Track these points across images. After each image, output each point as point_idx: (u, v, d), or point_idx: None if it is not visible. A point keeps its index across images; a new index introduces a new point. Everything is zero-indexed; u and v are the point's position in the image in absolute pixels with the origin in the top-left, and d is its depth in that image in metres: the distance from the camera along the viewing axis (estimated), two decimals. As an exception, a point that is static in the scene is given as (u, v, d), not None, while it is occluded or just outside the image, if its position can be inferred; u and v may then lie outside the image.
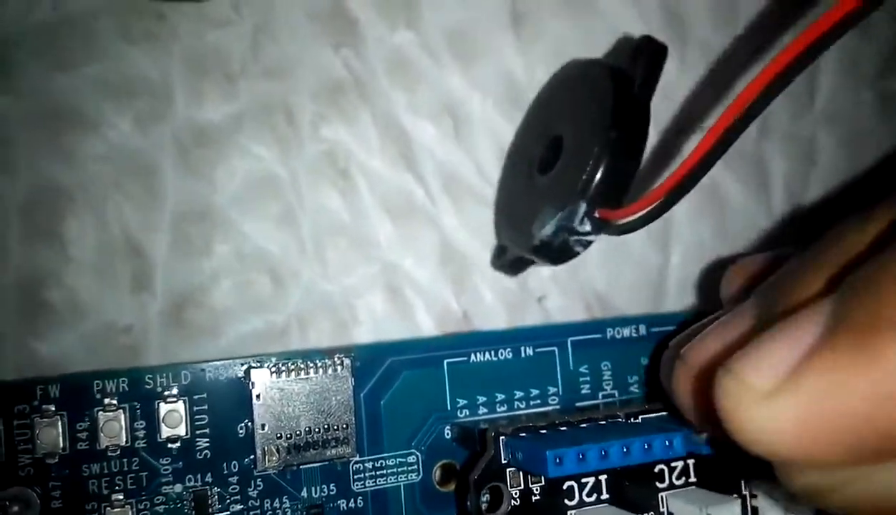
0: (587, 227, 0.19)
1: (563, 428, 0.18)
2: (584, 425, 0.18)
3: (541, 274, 0.26)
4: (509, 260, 0.24)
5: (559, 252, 0.20)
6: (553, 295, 0.26)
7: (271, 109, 0.25)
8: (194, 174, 0.24)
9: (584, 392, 0.21)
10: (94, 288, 0.23)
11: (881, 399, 0.11)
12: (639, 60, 0.20)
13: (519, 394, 0.21)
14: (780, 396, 0.12)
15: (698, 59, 0.28)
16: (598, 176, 0.19)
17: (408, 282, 0.25)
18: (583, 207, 0.19)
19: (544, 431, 0.18)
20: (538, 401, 0.21)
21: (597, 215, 0.19)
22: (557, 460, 0.16)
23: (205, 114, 0.24)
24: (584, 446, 0.16)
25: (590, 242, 0.20)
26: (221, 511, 0.19)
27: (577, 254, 0.20)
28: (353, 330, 0.24)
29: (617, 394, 0.22)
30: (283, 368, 0.19)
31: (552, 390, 0.21)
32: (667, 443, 0.17)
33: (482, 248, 0.26)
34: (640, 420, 0.18)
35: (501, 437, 0.17)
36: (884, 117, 0.30)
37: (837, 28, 0.13)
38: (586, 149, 0.20)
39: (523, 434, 0.18)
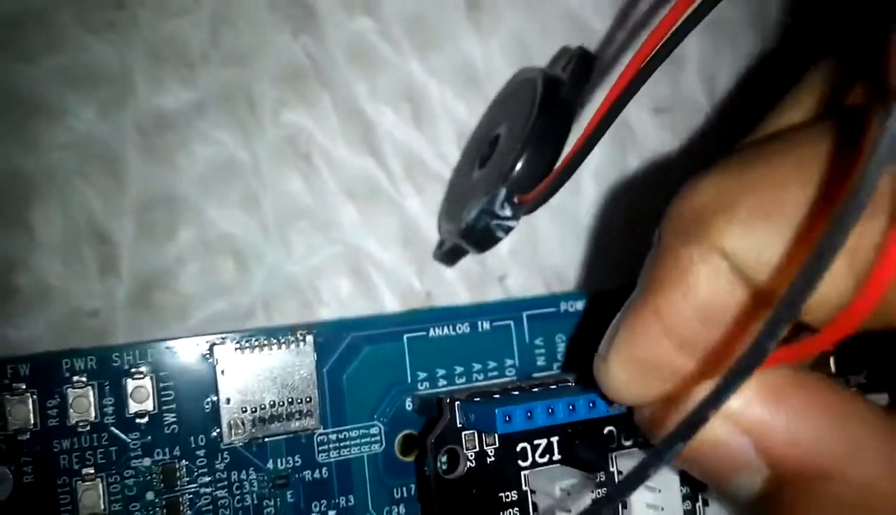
0: (507, 212, 0.20)
1: (516, 393, 0.19)
2: (535, 389, 0.19)
3: (501, 253, 0.27)
4: (445, 251, 0.25)
5: (482, 236, 0.21)
6: (513, 273, 0.27)
7: (232, 96, 0.25)
8: (157, 160, 0.24)
9: (539, 363, 0.22)
10: (62, 273, 0.23)
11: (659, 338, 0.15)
12: (570, 66, 0.21)
13: (477, 367, 0.22)
14: (609, 357, 0.16)
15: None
16: (518, 164, 0.20)
17: (371, 264, 0.26)
18: (503, 193, 0.20)
19: (497, 396, 0.18)
20: (496, 373, 0.22)
21: (515, 200, 0.20)
22: (506, 417, 0.17)
23: (166, 102, 0.25)
24: (531, 404, 0.17)
25: (510, 227, 0.21)
26: (190, 484, 0.19)
27: (500, 238, 0.21)
28: (317, 310, 0.25)
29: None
30: (247, 345, 0.20)
31: (509, 362, 0.22)
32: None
33: (443, 229, 0.27)
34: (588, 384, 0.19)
35: (457, 402, 0.18)
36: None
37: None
38: (513, 142, 0.21)
39: (477, 399, 0.18)
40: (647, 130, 0.29)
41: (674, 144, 0.29)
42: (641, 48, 0.16)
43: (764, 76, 0.30)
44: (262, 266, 0.25)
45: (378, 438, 0.21)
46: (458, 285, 0.27)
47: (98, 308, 0.23)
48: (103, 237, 0.24)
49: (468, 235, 0.22)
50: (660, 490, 0.18)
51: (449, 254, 0.25)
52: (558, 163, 0.19)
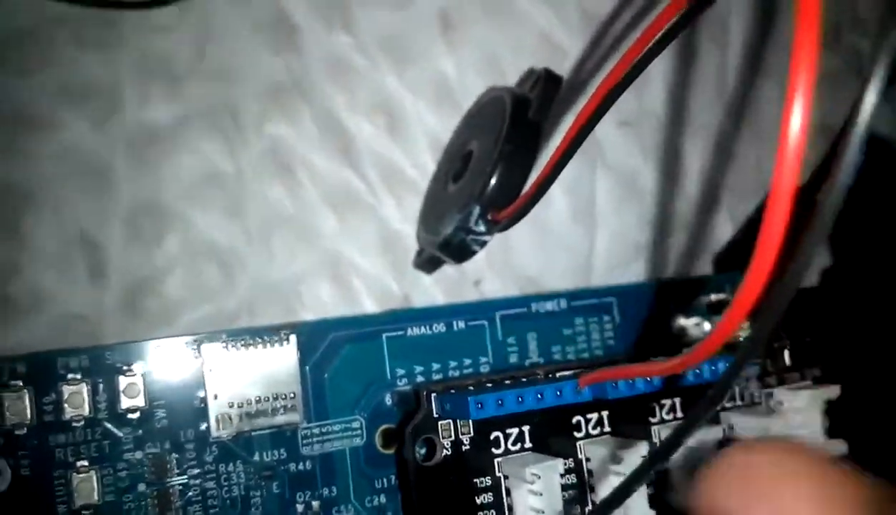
0: (481, 228, 0.22)
1: (489, 385, 0.20)
2: (506, 382, 0.20)
3: (477, 259, 0.28)
4: (424, 260, 0.27)
5: (459, 249, 0.23)
6: (488, 278, 0.29)
7: (217, 109, 0.26)
8: (145, 171, 0.25)
9: (512, 360, 0.23)
10: (53, 279, 0.24)
11: None
12: (537, 87, 0.22)
13: (453, 364, 0.23)
14: None
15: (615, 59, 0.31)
16: (491, 183, 0.22)
17: (351, 269, 0.27)
18: (477, 210, 0.22)
19: (471, 387, 0.20)
20: (470, 370, 0.23)
21: (489, 217, 0.22)
22: (479, 404, 0.18)
23: (154, 115, 0.26)
24: (502, 392, 0.18)
25: (485, 242, 0.23)
26: (180, 476, 0.20)
27: (474, 252, 0.23)
28: (300, 314, 0.26)
29: (542, 361, 0.24)
30: (234, 344, 0.21)
31: (483, 359, 0.23)
32: (577, 389, 0.19)
33: (420, 236, 0.28)
34: (556, 376, 0.20)
35: (433, 394, 0.19)
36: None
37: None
38: (485, 160, 0.22)
39: (452, 391, 0.20)
40: (614, 143, 0.30)
41: (639, 156, 0.31)
42: (612, 71, 0.18)
43: (724, 90, 0.32)
44: (246, 272, 0.26)
45: (359, 432, 0.22)
46: (436, 289, 0.28)
47: (88, 313, 0.24)
48: (93, 244, 0.25)
49: (445, 248, 0.23)
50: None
51: (428, 263, 0.27)
52: (531, 182, 0.20)
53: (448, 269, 0.28)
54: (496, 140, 0.22)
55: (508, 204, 0.21)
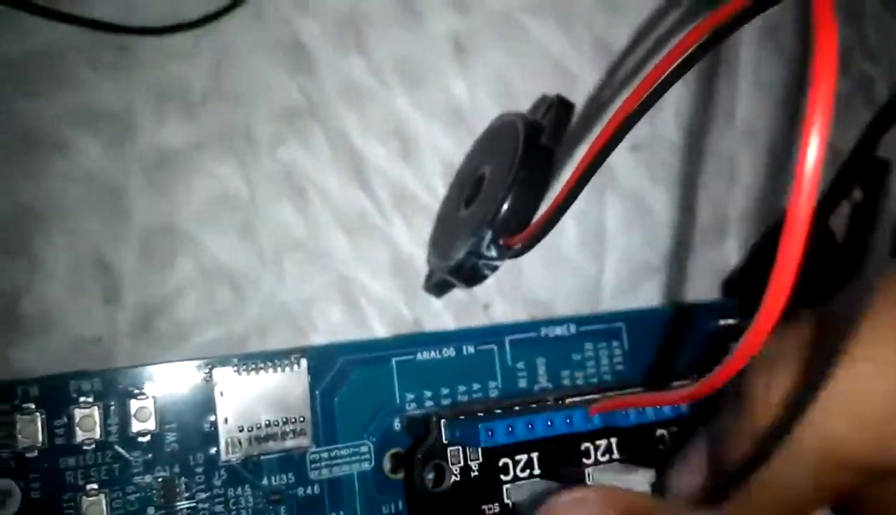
0: (493, 253, 0.22)
1: (498, 411, 0.20)
2: (516, 408, 0.20)
3: (486, 283, 0.28)
4: (434, 283, 0.27)
5: (470, 274, 0.23)
6: (497, 302, 0.29)
7: (231, 132, 0.27)
8: (159, 193, 0.26)
9: (521, 385, 0.23)
10: (66, 301, 0.24)
11: None
12: (549, 114, 0.22)
13: (462, 389, 0.23)
14: None
15: (628, 86, 0.31)
16: (503, 209, 0.22)
17: (362, 292, 0.27)
18: (489, 235, 0.22)
19: (481, 414, 0.20)
20: (479, 394, 0.23)
21: (501, 242, 0.22)
22: (489, 432, 0.18)
23: (168, 138, 0.26)
24: (512, 419, 0.18)
25: (496, 267, 0.23)
26: (188, 499, 0.20)
27: (485, 276, 0.23)
28: (310, 337, 0.26)
29: (551, 387, 0.24)
30: (245, 368, 0.21)
31: (492, 384, 0.23)
32: (587, 417, 0.19)
33: (430, 259, 0.28)
34: (567, 403, 0.20)
35: (443, 420, 0.19)
36: (793, 135, 0.32)
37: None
38: (498, 185, 0.23)
39: (462, 417, 0.20)
40: (625, 167, 0.31)
41: (649, 181, 0.31)
42: (628, 99, 0.18)
43: (735, 116, 0.32)
44: (258, 294, 0.26)
45: (368, 456, 0.22)
46: (445, 313, 0.28)
47: (101, 335, 0.24)
48: (106, 267, 0.25)
49: (456, 273, 0.23)
50: None
51: (438, 287, 0.27)
52: (544, 209, 0.20)
53: (458, 293, 0.28)
54: (509, 165, 0.22)
55: (520, 229, 0.22)
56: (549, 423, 0.18)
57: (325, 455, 0.21)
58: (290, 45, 0.28)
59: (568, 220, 0.30)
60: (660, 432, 0.21)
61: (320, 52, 0.28)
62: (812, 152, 0.11)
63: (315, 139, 0.27)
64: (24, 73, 0.25)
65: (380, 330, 0.27)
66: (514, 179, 0.22)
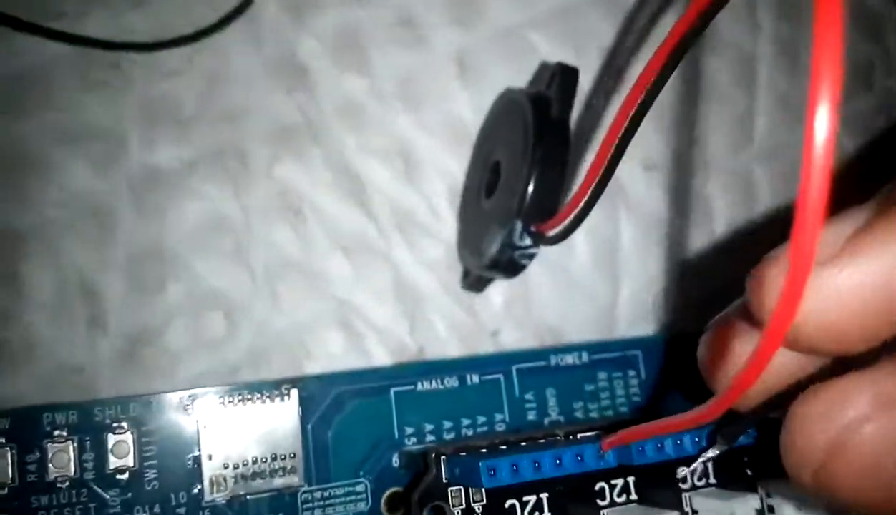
0: (527, 242, 0.21)
1: (503, 447, 0.18)
2: (523, 443, 0.18)
3: (494, 308, 0.27)
4: (472, 281, 0.26)
5: (508, 267, 0.22)
6: (507, 329, 0.27)
7: (224, 152, 0.25)
8: (148, 216, 0.24)
9: (530, 418, 0.22)
10: (50, 328, 0.23)
11: None
12: (554, 83, 0.21)
13: (466, 422, 0.21)
14: (837, 265, 0.13)
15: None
16: (529, 194, 0.21)
17: (361, 319, 0.26)
18: (519, 225, 0.21)
19: (484, 450, 0.18)
20: (485, 428, 0.21)
21: (533, 229, 0.21)
22: (491, 471, 0.16)
23: (158, 159, 0.25)
24: (516, 457, 0.16)
25: (533, 254, 0.22)
26: (169, 542, 0.19)
27: (525, 266, 0.22)
28: (306, 366, 0.25)
29: (562, 420, 0.22)
30: (230, 399, 0.20)
31: (499, 417, 0.22)
32: (600, 453, 0.17)
33: (436, 284, 0.27)
34: (578, 438, 0.19)
35: (442, 457, 0.18)
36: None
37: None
38: (517, 170, 0.21)
39: (463, 454, 0.18)
40: (638, 187, 0.29)
41: (664, 202, 0.29)
42: (653, 57, 0.16)
43: (752, 133, 0.31)
44: (251, 321, 0.25)
45: (364, 496, 0.20)
46: (451, 340, 0.26)
47: (84, 363, 0.23)
48: (92, 292, 0.24)
49: (494, 268, 0.22)
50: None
51: (477, 283, 0.26)
52: (575, 191, 0.19)
53: (465, 319, 0.27)
54: (524, 147, 0.21)
55: (551, 211, 0.21)
56: (558, 462, 0.17)
57: (317, 494, 0.20)
58: (288, 63, 0.27)
59: (580, 243, 0.28)
60: (682, 472, 0.19)
61: (319, 70, 0.27)
62: (822, 123, 0.10)
63: (313, 159, 0.26)
64: (11, 92, 0.24)
65: (381, 358, 0.25)
66: (533, 161, 0.21)
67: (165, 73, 0.25)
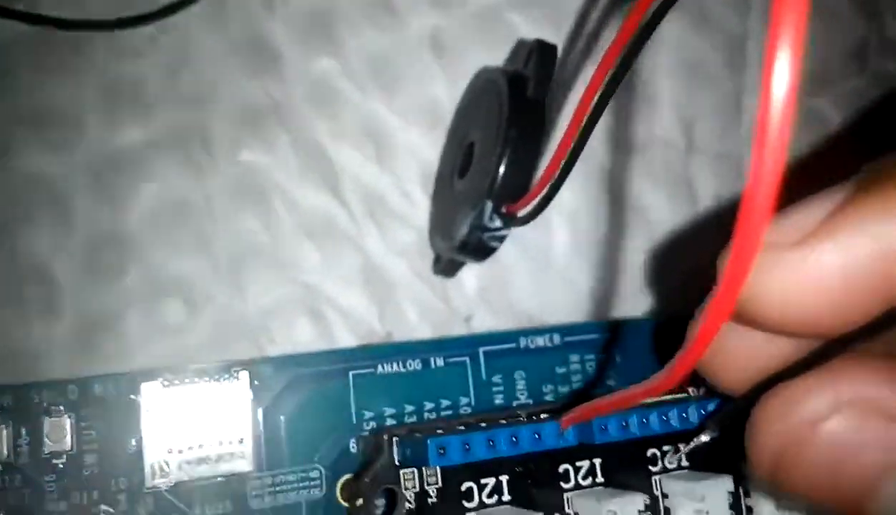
0: (497, 223, 0.20)
1: (461, 427, 0.17)
2: (482, 424, 0.17)
3: (467, 294, 0.26)
4: (444, 265, 0.25)
5: (478, 249, 0.21)
6: (481, 314, 0.26)
7: (187, 136, 0.25)
8: (107, 201, 0.24)
9: (497, 402, 0.21)
10: (2, 312, 0.22)
11: None
12: (531, 61, 0.20)
13: (429, 406, 0.20)
14: (811, 246, 0.12)
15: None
16: (500, 175, 0.20)
17: (329, 305, 0.25)
18: (489, 206, 0.20)
19: (440, 431, 0.17)
20: (450, 412, 0.20)
21: (503, 211, 0.19)
22: (441, 450, 0.15)
23: (118, 142, 0.24)
24: (468, 435, 0.15)
25: (504, 236, 0.21)
26: (109, 531, 0.18)
27: (495, 248, 0.21)
28: (269, 353, 0.24)
29: (531, 404, 0.21)
30: (177, 382, 0.19)
31: (464, 400, 0.20)
32: (559, 431, 0.16)
33: (407, 270, 0.26)
34: (542, 417, 0.17)
35: (395, 438, 0.17)
36: (808, 133, 0.30)
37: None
38: (490, 150, 0.20)
39: (418, 435, 0.17)
40: (621, 170, 0.28)
41: (646, 184, 0.28)
42: (621, 29, 0.16)
43: (741, 114, 0.30)
44: (213, 307, 0.24)
45: (318, 482, 0.19)
46: (423, 326, 0.25)
47: (37, 349, 0.22)
48: (47, 278, 0.23)
49: (463, 250, 0.21)
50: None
51: (448, 268, 0.25)
52: (544, 170, 0.18)
53: (436, 304, 0.25)
54: (497, 127, 0.20)
55: (522, 193, 0.20)
56: (514, 439, 0.16)
57: (267, 481, 0.19)
58: (255, 43, 0.26)
59: (558, 226, 0.27)
60: (651, 451, 0.18)
61: (288, 51, 0.26)
62: (781, 82, 0.09)
63: (280, 143, 0.25)
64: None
65: (349, 344, 0.24)
66: (506, 141, 0.20)
67: (127, 54, 0.25)
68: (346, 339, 0.24)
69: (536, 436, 0.16)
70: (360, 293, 0.25)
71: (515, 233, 0.21)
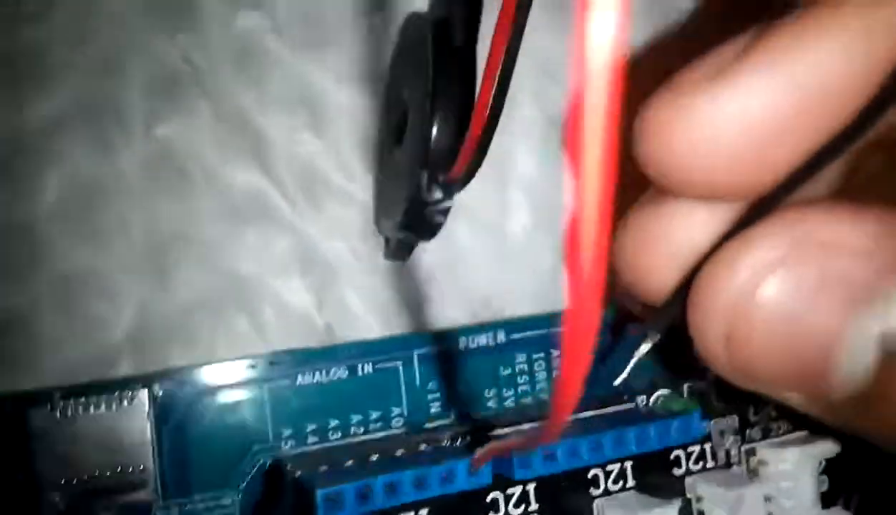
0: (437, 195, 0.18)
1: (374, 458, 0.15)
2: (399, 452, 0.15)
3: (418, 279, 0.24)
4: (393, 249, 0.22)
5: (422, 226, 0.19)
6: (433, 302, 0.24)
7: (97, 110, 0.22)
8: (7, 188, 0.21)
9: (433, 410, 0.19)
10: None
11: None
12: (455, 4, 0.17)
13: (356, 418, 0.18)
14: (711, 93, 0.12)
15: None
16: (432, 139, 0.18)
17: (261, 295, 0.23)
18: (424, 176, 0.18)
19: (350, 462, 0.15)
20: (379, 425, 0.18)
21: (441, 179, 0.18)
22: (330, 501, 0.13)
23: (20, 120, 0.22)
24: (365, 481, 0.13)
25: (447, 208, 0.19)
26: (-7, 574, 0.16)
27: (441, 223, 0.19)
28: (194, 353, 0.22)
29: (470, 413, 0.19)
30: (68, 402, 0.17)
31: (396, 411, 0.18)
32: (470, 470, 0.14)
33: (348, 254, 0.23)
34: (467, 440, 0.15)
35: (297, 473, 0.15)
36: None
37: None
38: (420, 112, 0.18)
39: (324, 468, 0.15)
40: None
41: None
42: None
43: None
44: (130, 304, 0.22)
45: (231, 510, 0.17)
46: (367, 317, 0.23)
47: (-69, 358, 0.20)
48: (-60, 277, 0.21)
49: (407, 229, 0.19)
50: None
51: (399, 251, 0.23)
52: (473, 120, 0.16)
53: (383, 292, 0.23)
54: (424, 84, 0.18)
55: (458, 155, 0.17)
56: (420, 484, 0.13)
57: (174, 511, 0.17)
58: (172, 1, 0.23)
59: (519, 205, 0.25)
60: (594, 472, 0.16)
61: (208, 7, 0.23)
62: None
63: (201, 113, 0.23)
64: None
65: (282, 342, 0.22)
66: (434, 99, 0.17)
67: (23, 18, 0.22)
68: (280, 334, 0.22)
69: (444, 477, 0.14)
70: (295, 282, 0.23)
71: (470, 210, 0.19)
